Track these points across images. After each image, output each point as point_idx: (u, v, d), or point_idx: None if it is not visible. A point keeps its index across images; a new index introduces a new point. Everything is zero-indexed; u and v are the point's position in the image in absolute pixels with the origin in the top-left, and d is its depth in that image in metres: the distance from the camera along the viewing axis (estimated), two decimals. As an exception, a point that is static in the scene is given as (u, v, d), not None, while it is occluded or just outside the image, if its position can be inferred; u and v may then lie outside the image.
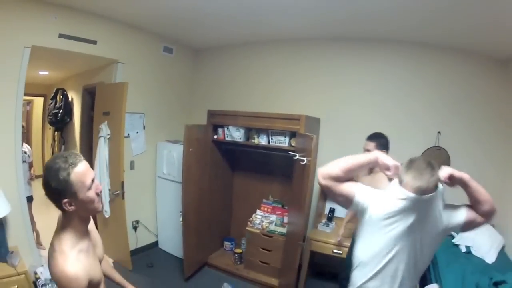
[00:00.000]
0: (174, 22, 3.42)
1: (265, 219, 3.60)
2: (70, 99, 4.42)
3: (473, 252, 3.08)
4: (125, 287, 1.73)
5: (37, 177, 5.64)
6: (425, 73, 3.33)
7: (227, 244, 4.09)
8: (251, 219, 3.67)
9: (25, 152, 3.25)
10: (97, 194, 1.25)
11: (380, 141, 2.56)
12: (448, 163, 3.24)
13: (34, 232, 3.44)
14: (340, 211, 3.55)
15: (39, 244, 3.63)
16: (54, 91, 4.50)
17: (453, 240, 3.24)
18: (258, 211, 3.75)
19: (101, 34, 3.29)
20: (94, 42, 3.26)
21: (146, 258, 3.93)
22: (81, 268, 1.19)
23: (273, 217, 3.63)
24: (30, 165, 3.76)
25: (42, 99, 5.15)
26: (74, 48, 3.10)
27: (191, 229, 3.46)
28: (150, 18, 3.39)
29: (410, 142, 3.35)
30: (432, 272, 3.05)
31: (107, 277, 1.64)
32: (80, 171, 1.17)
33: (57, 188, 1.14)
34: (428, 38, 3.14)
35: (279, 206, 3.73)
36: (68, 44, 3.04)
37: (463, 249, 3.13)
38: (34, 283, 2.89)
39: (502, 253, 3.04)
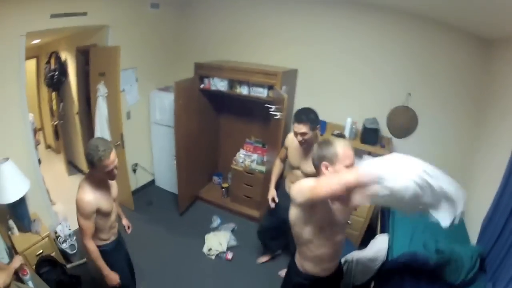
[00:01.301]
0: None
1: (248, 158, 4.10)
2: (64, 60, 4.63)
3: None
4: (121, 217, 2.60)
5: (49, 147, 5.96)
6: (402, 40, 3.36)
7: (215, 179, 4.70)
8: (235, 157, 4.16)
9: (30, 121, 3.35)
10: (113, 173, 1.97)
11: (310, 118, 2.40)
12: (415, 125, 3.54)
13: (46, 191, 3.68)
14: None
15: (52, 202, 3.91)
16: (48, 56, 4.70)
17: None
18: (241, 150, 4.22)
19: (90, 5, 3.36)
20: (85, 14, 3.33)
21: (145, 196, 4.50)
22: (92, 198, 1.94)
23: (255, 156, 4.13)
24: (35, 131, 3.88)
25: (34, 60, 5.34)
26: (66, 24, 3.17)
27: (183, 169, 3.93)
28: None
29: (381, 99, 3.61)
30: (389, 221, 3.12)
31: None
32: (107, 162, 1.87)
33: (91, 163, 1.88)
34: (411, 8, 3.12)
35: (260, 145, 4.19)
36: (60, 22, 3.10)
37: None
38: (54, 241, 3.20)
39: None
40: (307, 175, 2.59)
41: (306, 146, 2.51)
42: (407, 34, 3.33)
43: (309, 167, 2.49)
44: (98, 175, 1.97)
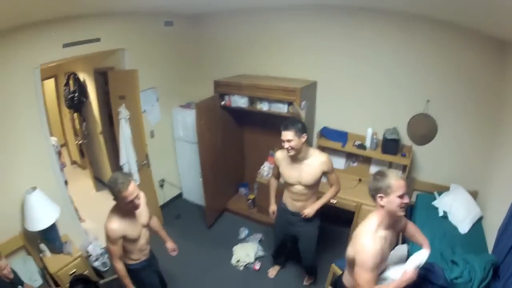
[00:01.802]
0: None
1: (271, 170, 4.17)
2: (82, 81, 4.70)
3: (449, 218, 3.14)
4: (165, 241, 2.77)
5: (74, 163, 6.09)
6: (419, 45, 3.32)
7: (242, 190, 4.82)
8: (259, 171, 4.24)
9: (53, 145, 3.42)
10: (134, 206, 2.13)
11: (295, 125, 2.49)
12: (435, 131, 3.51)
13: (75, 210, 3.81)
14: (337, 163, 4.07)
15: (81, 219, 4.12)
16: (65, 78, 4.76)
17: (433, 203, 3.38)
18: (265, 163, 4.28)
19: (103, 30, 3.41)
20: (98, 40, 3.39)
21: (173, 210, 4.65)
22: (117, 226, 2.13)
23: (278, 169, 4.20)
24: (59, 154, 3.94)
25: (52, 80, 5.43)
26: (79, 52, 3.23)
27: (209, 183, 4.04)
28: (147, 4, 3.49)
29: (401, 108, 3.59)
30: None
31: (155, 232, 2.65)
32: (123, 195, 2.02)
33: (113, 195, 2.06)
34: (427, 13, 3.04)
35: None
36: (73, 51, 3.15)
37: (441, 213, 3.22)
38: (87, 259, 3.37)
39: (477, 226, 3.05)
40: (307, 186, 2.71)
41: (294, 154, 2.57)
42: (423, 41, 3.28)
43: (305, 178, 2.65)
44: (122, 206, 2.12)
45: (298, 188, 2.74)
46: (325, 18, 3.69)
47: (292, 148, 2.52)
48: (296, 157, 2.62)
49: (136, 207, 2.16)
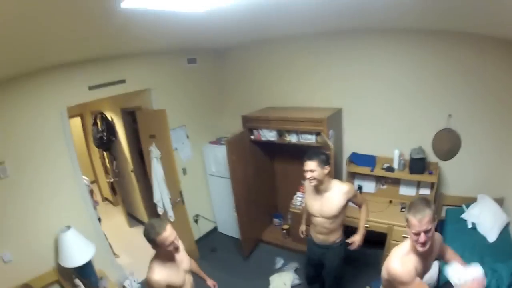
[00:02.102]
0: (195, 39, 3.60)
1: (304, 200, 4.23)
2: (110, 120, 4.83)
3: (478, 229, 3.12)
4: (205, 279, 2.75)
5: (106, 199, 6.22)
6: (434, 60, 3.34)
7: (276, 221, 4.84)
8: (292, 200, 4.27)
9: (85, 184, 3.49)
10: (175, 248, 2.06)
11: (319, 156, 2.54)
12: (459, 144, 3.50)
13: (109, 246, 3.90)
14: (368, 187, 4.12)
15: (116, 255, 4.20)
16: (93, 117, 4.91)
17: (462, 215, 3.37)
18: (298, 193, 4.31)
19: (128, 72, 3.50)
20: (124, 81, 3.48)
21: (209, 243, 4.69)
22: (159, 276, 2.02)
23: (311, 197, 4.25)
24: (91, 192, 3.99)
25: (79, 118, 5.59)
26: (104, 94, 3.32)
27: (243, 215, 4.09)
28: (172, 44, 3.62)
29: (424, 126, 3.61)
30: None
31: (195, 273, 2.63)
32: (162, 238, 1.96)
33: (150, 241, 1.99)
34: (434, 26, 3.05)
35: None
36: (98, 93, 3.26)
37: (469, 225, 3.20)
38: None
39: (504, 232, 3.04)
40: (328, 219, 2.69)
41: (316, 185, 2.59)
42: (438, 55, 3.31)
43: (326, 210, 2.64)
44: (162, 252, 2.08)
45: (320, 220, 2.74)
46: (343, 44, 3.77)
47: (314, 179, 2.54)
48: (318, 188, 2.64)
49: (177, 249, 2.11)
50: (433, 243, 1.89)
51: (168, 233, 1.99)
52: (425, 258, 1.89)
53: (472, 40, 3.10)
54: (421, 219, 1.69)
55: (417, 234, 1.72)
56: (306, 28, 3.58)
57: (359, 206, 2.89)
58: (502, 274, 2.37)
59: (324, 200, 2.64)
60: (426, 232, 1.71)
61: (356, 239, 2.80)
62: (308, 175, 2.55)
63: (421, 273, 1.89)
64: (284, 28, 3.50)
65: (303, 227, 3.21)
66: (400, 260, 1.80)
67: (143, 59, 3.67)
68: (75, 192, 3.24)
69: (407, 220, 1.77)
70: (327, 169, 2.56)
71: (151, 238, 1.98)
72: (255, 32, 3.69)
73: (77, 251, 2.92)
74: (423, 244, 1.73)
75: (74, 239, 2.93)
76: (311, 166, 2.52)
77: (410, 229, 1.75)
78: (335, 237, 2.83)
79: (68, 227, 2.94)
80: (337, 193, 2.63)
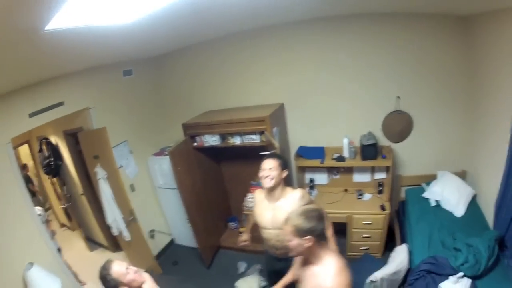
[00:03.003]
0: (127, 50, 3.53)
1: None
2: (55, 144, 4.66)
3: (442, 205, 3.16)
4: None
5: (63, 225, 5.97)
6: (379, 42, 3.34)
7: (231, 225, 4.79)
8: (244, 202, 4.21)
9: (39, 215, 3.32)
10: (134, 278, 1.97)
11: (281, 160, 2.46)
12: (410, 125, 3.55)
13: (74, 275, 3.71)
14: (320, 179, 4.11)
15: (82, 283, 3.93)
16: (38, 143, 4.74)
17: (423, 194, 3.40)
18: (248, 194, 4.23)
19: (65, 93, 3.38)
20: (61, 104, 3.36)
21: (169, 257, 4.61)
22: None
23: (263, 197, 4.19)
24: (47, 222, 3.80)
25: (26, 145, 5.39)
26: (45, 119, 3.20)
27: (197, 224, 4.01)
28: (104, 58, 3.54)
29: (372, 110, 3.63)
30: (407, 228, 3.22)
31: None
32: (114, 269, 1.92)
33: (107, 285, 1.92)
34: (381, 8, 3.06)
35: None
36: (39, 119, 3.13)
37: (433, 203, 3.24)
38: None
39: (472, 204, 3.08)
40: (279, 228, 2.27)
41: (272, 186, 2.38)
42: (384, 37, 3.34)
43: (278, 220, 2.22)
44: None
45: (273, 233, 2.47)
46: (278, 37, 3.74)
47: (273, 178, 2.35)
48: (271, 195, 2.42)
49: (137, 279, 2.01)
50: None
51: (118, 266, 1.95)
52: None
53: (418, 20, 3.12)
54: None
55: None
56: (232, 27, 3.55)
57: None
58: (480, 248, 2.38)
59: (277, 209, 2.40)
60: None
61: None
62: (266, 173, 2.37)
63: None
64: (215, 28, 3.46)
65: (245, 236, 3.00)
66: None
67: (78, 78, 3.53)
68: (30, 226, 3.06)
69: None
70: (285, 172, 2.44)
71: (108, 281, 1.92)
72: (186, 37, 3.67)
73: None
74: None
75: (39, 276, 2.78)
76: (271, 164, 2.37)
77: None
78: None
79: (31, 264, 2.79)
80: (290, 201, 2.39)
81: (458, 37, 3.08)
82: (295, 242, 1.63)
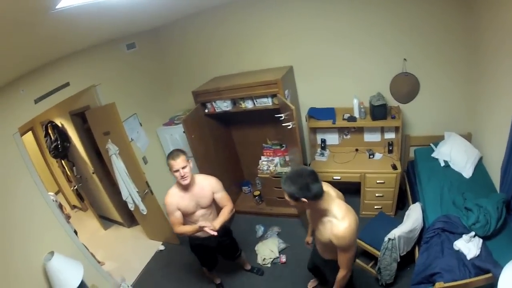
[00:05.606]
0: (132, 24, 3.46)
1: (270, 163, 4.19)
2: (61, 126, 4.63)
3: (451, 166, 3.20)
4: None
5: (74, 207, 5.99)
6: (385, 5, 3.35)
7: (245, 189, 4.85)
8: (259, 166, 4.25)
9: (53, 200, 3.29)
10: (181, 177, 2.49)
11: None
12: (417, 86, 3.61)
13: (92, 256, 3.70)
14: (331, 139, 4.14)
15: (100, 263, 4.02)
16: (43, 128, 4.67)
17: (432, 154, 3.45)
18: (262, 157, 4.30)
19: (70, 73, 3.30)
20: (67, 84, 3.28)
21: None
22: (170, 200, 2.61)
23: (276, 159, 4.23)
24: (61, 207, 3.77)
25: (30, 133, 5.32)
26: (52, 102, 3.13)
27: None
28: (113, 33, 3.51)
29: (380, 72, 3.66)
30: (418, 188, 3.30)
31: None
32: (169, 164, 2.49)
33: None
34: None
35: (278, 147, 4.27)
36: (45, 103, 3.05)
37: (442, 163, 3.28)
38: None
39: (479, 166, 3.11)
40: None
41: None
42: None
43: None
44: (178, 180, 2.56)
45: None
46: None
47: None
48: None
49: (183, 178, 2.48)
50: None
51: (175, 163, 2.44)
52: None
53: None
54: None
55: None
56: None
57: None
58: (488, 208, 2.44)
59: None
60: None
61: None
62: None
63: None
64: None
65: (309, 239, 2.87)
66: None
67: (82, 57, 3.44)
68: (46, 213, 3.00)
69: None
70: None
71: (167, 161, 2.49)
72: (193, 4, 3.61)
73: (67, 276, 2.71)
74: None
75: (60, 264, 2.71)
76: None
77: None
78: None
79: (52, 253, 2.72)
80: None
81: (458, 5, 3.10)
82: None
